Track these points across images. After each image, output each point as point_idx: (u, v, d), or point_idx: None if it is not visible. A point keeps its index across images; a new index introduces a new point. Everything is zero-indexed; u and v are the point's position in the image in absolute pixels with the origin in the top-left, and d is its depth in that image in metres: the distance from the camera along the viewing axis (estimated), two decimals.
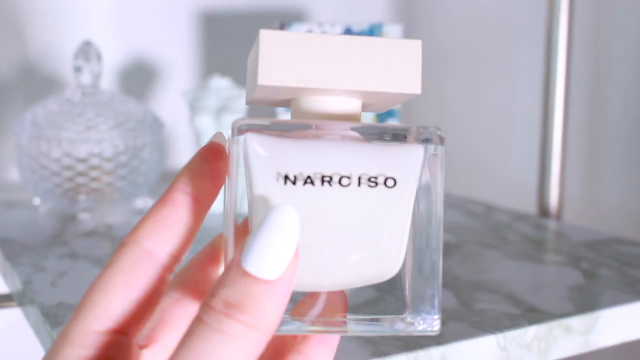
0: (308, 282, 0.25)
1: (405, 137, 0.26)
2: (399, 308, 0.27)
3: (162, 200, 0.27)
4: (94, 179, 0.67)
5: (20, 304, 0.55)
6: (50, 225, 0.69)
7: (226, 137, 0.28)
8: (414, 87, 0.27)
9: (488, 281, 0.52)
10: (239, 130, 0.25)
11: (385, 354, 0.39)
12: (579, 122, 0.82)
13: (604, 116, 0.79)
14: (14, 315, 0.71)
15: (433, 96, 1.06)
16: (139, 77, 0.92)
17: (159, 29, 0.93)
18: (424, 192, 0.26)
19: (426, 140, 0.26)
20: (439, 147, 0.26)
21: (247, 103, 0.30)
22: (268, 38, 0.26)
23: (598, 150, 0.80)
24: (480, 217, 0.74)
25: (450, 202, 0.81)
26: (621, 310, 0.47)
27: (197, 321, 0.22)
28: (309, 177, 0.25)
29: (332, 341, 0.30)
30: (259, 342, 0.22)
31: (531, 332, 0.44)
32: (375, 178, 0.25)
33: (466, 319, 0.45)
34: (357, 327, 0.26)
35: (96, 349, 0.25)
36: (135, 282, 0.26)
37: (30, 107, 0.83)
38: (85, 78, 0.70)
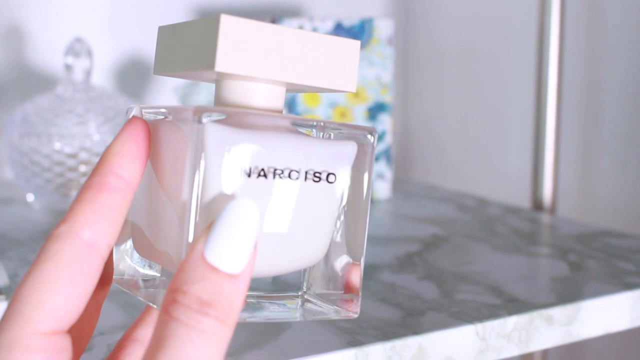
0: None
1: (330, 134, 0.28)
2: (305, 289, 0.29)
3: (97, 185, 0.25)
4: (84, 175, 0.67)
5: (8, 297, 0.55)
6: (42, 221, 0.69)
7: (140, 111, 0.28)
8: (349, 85, 0.28)
9: (472, 273, 0.52)
10: (199, 120, 0.25)
11: (362, 343, 0.39)
12: (573, 116, 0.82)
13: (598, 110, 0.79)
14: (2, 308, 0.72)
15: (428, 91, 1.05)
16: (132, 74, 0.92)
17: (152, 25, 0.93)
18: (354, 186, 0.28)
19: (358, 138, 0.28)
20: (370, 145, 0.28)
21: (157, 73, 0.29)
22: (227, 24, 0.26)
23: (592, 144, 0.80)
24: (471, 211, 0.73)
25: (443, 197, 0.81)
26: (604, 301, 0.47)
27: (173, 322, 0.22)
28: (262, 170, 0.26)
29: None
30: (230, 335, 0.23)
31: (511, 323, 0.44)
32: (320, 174, 0.27)
33: (446, 309, 0.45)
34: (257, 311, 0.28)
35: (45, 352, 0.23)
36: (80, 279, 0.24)
37: (22, 104, 0.84)
38: (76, 74, 0.70)
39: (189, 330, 0.22)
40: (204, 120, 0.25)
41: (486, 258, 0.56)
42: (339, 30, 0.77)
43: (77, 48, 0.69)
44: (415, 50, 1.08)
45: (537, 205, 0.76)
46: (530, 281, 0.50)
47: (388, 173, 0.79)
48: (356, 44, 0.28)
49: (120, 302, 0.46)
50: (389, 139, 0.79)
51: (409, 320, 0.43)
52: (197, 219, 0.25)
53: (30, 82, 0.87)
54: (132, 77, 0.92)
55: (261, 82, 0.27)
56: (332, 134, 0.28)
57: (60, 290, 0.24)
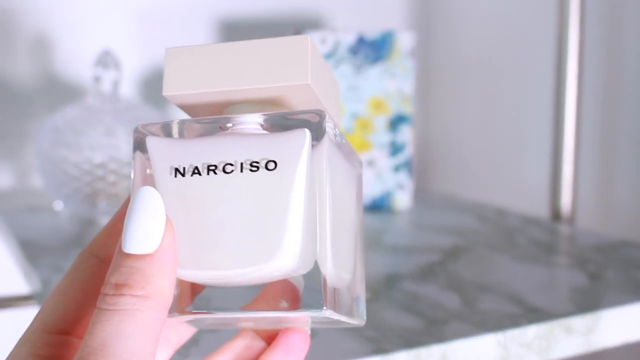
0: (198, 265, 0.26)
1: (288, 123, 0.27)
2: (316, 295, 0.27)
3: (116, 215, 0.29)
4: (113, 184, 0.69)
5: (40, 303, 0.57)
6: (71, 229, 0.71)
7: None
8: (301, 77, 0.27)
9: (492, 282, 0.53)
10: (138, 136, 0.28)
11: (386, 351, 0.40)
12: (591, 126, 0.83)
13: (616, 120, 0.80)
14: (34, 314, 0.74)
15: (447, 102, 1.07)
16: (159, 84, 0.94)
17: (178, 37, 0.95)
18: (314, 176, 0.26)
19: (310, 125, 0.26)
20: (329, 130, 0.26)
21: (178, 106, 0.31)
22: (171, 53, 0.28)
23: (611, 154, 0.81)
24: (491, 222, 0.74)
25: (463, 207, 0.82)
26: (623, 310, 0.48)
27: (96, 312, 0.24)
28: (196, 167, 0.27)
29: (298, 352, 0.30)
30: (157, 308, 0.24)
31: (531, 332, 0.45)
32: (257, 163, 0.26)
33: (468, 318, 0.46)
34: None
35: (51, 348, 0.27)
36: (91, 291, 0.28)
37: (51, 114, 0.86)
38: (105, 86, 0.72)
39: (107, 313, 0.24)
40: (142, 134, 0.28)
41: (506, 268, 0.57)
42: (361, 43, 0.78)
43: (106, 60, 0.71)
44: (435, 62, 1.09)
45: (556, 215, 0.77)
46: (549, 291, 0.51)
47: (409, 183, 0.80)
48: (305, 38, 0.27)
49: None
50: (409, 149, 0.80)
51: (432, 329, 0.44)
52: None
53: (57, 92, 0.89)
54: (157, 87, 0.94)
55: (209, 96, 0.28)
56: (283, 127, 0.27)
57: (74, 299, 0.28)
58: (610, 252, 0.62)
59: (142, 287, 0.24)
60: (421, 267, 0.58)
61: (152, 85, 0.94)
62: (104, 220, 0.72)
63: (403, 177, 0.80)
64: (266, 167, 0.26)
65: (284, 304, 0.26)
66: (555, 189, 0.77)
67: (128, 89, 0.93)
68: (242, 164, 0.26)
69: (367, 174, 0.79)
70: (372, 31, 0.79)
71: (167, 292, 0.25)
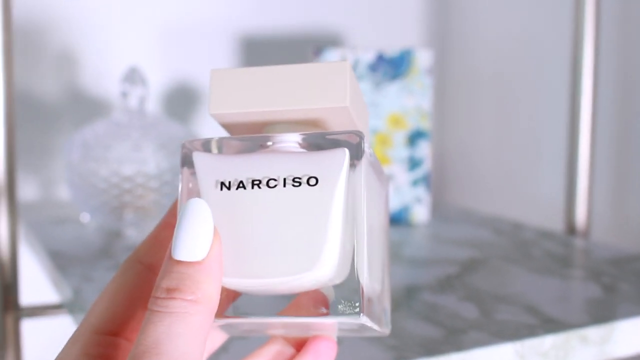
0: (242, 273, 0.28)
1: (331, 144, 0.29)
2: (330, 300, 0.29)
3: (162, 223, 0.31)
4: (139, 197, 0.71)
5: (71, 311, 0.59)
6: (98, 240, 0.73)
7: None
8: (341, 100, 0.29)
9: (509, 294, 0.55)
10: (185, 152, 0.30)
11: (407, 358, 0.42)
12: (606, 140, 0.84)
13: (631, 134, 0.81)
14: (64, 322, 0.76)
15: (463, 117, 1.08)
16: (183, 100, 0.97)
17: (201, 54, 0.97)
18: (352, 192, 0.28)
19: (352, 145, 0.28)
20: (366, 151, 0.28)
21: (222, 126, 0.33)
22: (216, 75, 0.30)
23: (625, 169, 0.82)
24: (507, 235, 0.76)
25: (480, 221, 0.84)
26: (637, 321, 0.50)
27: (149, 312, 0.26)
28: (241, 182, 0.28)
29: (328, 351, 0.32)
30: (205, 313, 0.26)
31: (548, 341, 0.46)
32: (300, 178, 0.28)
33: (486, 328, 0.47)
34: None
35: (99, 348, 0.29)
36: (137, 295, 0.30)
37: (78, 129, 0.88)
38: (131, 102, 0.74)
39: (160, 314, 0.26)
40: (189, 149, 0.30)
41: (522, 280, 0.59)
42: (380, 60, 0.80)
43: (133, 77, 0.74)
44: (451, 78, 1.11)
45: (571, 229, 0.78)
46: (565, 302, 0.53)
47: (427, 197, 0.82)
48: (345, 64, 0.29)
49: None
50: (427, 164, 0.81)
51: (452, 338, 0.46)
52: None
53: (83, 107, 0.92)
54: (180, 102, 0.96)
55: (253, 115, 0.30)
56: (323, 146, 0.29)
57: (121, 303, 0.30)
58: (624, 264, 0.63)
59: (192, 292, 0.26)
60: (439, 279, 0.59)
61: (175, 101, 0.96)
62: (131, 232, 0.74)
63: (421, 191, 0.82)
64: (308, 183, 0.28)
65: (323, 310, 0.28)
66: (570, 203, 0.79)
67: (152, 104, 0.95)
68: (285, 179, 0.28)
69: None
70: (391, 49, 0.81)
71: (214, 298, 0.26)
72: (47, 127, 0.91)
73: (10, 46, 0.66)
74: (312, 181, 0.28)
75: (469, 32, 1.07)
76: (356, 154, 0.28)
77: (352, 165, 0.28)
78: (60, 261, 0.65)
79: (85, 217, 0.78)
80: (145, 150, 0.71)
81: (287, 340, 0.34)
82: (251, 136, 0.30)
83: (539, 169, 0.94)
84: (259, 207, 0.28)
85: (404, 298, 0.54)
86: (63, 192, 0.92)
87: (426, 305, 0.52)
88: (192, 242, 0.27)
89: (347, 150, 0.28)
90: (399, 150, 0.81)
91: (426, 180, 0.82)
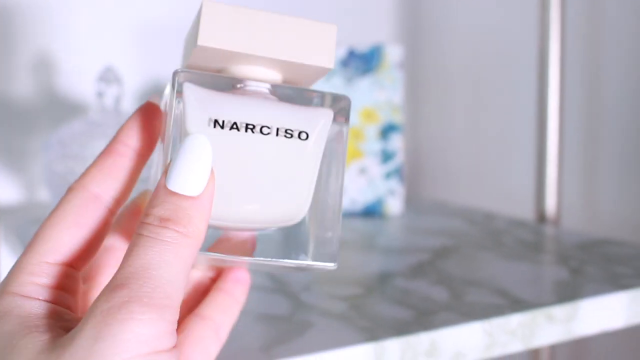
0: (224, 215, 0.29)
1: (312, 101, 0.31)
2: (302, 246, 0.31)
3: (106, 151, 0.31)
4: None
5: None
6: None
7: (163, 99, 0.33)
8: (327, 61, 0.30)
9: (479, 278, 0.57)
10: (179, 80, 0.29)
11: (379, 338, 0.44)
12: (574, 132, 0.86)
13: (598, 125, 0.83)
14: None
15: (436, 111, 1.10)
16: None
17: (176, 54, 0.98)
18: (330, 150, 0.31)
19: (336, 108, 0.31)
20: (347, 115, 0.31)
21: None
22: (209, 7, 0.30)
23: (594, 157, 0.84)
24: (479, 224, 0.78)
25: (452, 212, 0.86)
26: (601, 300, 0.51)
27: (138, 237, 0.26)
28: (235, 123, 0.29)
29: (245, 280, 0.35)
30: (193, 246, 0.27)
31: (515, 320, 0.48)
32: (292, 131, 0.30)
33: (456, 309, 0.49)
34: (261, 257, 0.31)
35: (48, 277, 0.28)
36: (83, 222, 0.29)
37: (54, 129, 0.89)
38: (107, 101, 0.75)
39: (151, 240, 0.26)
40: (182, 79, 0.29)
41: (493, 265, 0.60)
42: (351, 56, 0.82)
43: (108, 76, 0.74)
44: (423, 73, 1.13)
45: (542, 217, 0.80)
46: (533, 285, 0.54)
47: (400, 190, 0.83)
48: (333, 27, 0.31)
49: None
50: (400, 157, 0.83)
51: (422, 319, 0.47)
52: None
53: (59, 108, 0.93)
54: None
55: (254, 64, 0.31)
56: (313, 101, 0.31)
57: (65, 229, 0.29)
58: (591, 249, 0.65)
59: (184, 225, 0.27)
60: (412, 266, 0.61)
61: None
62: None
63: (394, 183, 0.83)
64: (299, 137, 0.30)
65: (303, 256, 0.31)
66: (540, 193, 0.81)
67: (127, 104, 0.96)
68: (277, 129, 0.29)
69: (360, 181, 0.83)
70: (362, 44, 0.82)
71: (202, 234, 0.27)
72: (24, 130, 0.92)
73: None
74: (303, 135, 0.30)
75: (440, 27, 1.08)
76: (345, 117, 0.31)
77: (337, 125, 0.31)
78: None
79: None
80: None
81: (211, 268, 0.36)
82: (229, 76, 0.30)
83: (509, 161, 0.96)
84: (250, 151, 0.29)
85: (377, 284, 0.56)
86: (42, 195, 0.93)
87: (398, 290, 0.54)
88: (190, 177, 0.27)
89: (332, 112, 0.30)
90: (372, 144, 0.83)
91: (399, 173, 0.83)
